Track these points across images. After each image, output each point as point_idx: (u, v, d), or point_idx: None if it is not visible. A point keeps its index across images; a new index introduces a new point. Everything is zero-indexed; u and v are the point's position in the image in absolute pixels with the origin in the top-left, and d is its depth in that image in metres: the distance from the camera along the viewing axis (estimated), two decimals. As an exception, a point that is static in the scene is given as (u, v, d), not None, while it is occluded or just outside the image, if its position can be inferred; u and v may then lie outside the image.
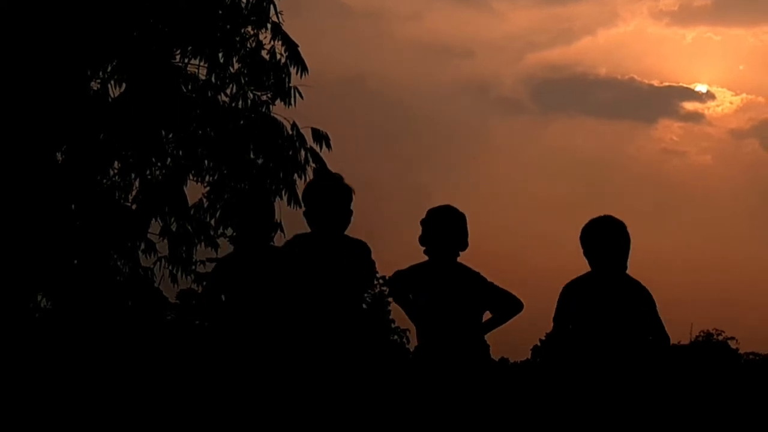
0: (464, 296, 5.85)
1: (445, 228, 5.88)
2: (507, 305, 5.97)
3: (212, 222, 12.26)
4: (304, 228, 5.78)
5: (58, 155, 11.80)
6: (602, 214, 6.13)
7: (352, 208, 5.67)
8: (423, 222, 5.93)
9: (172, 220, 12.14)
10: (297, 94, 12.50)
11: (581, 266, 6.19)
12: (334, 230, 5.62)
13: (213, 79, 12.23)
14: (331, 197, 5.61)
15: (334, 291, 5.63)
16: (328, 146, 12.58)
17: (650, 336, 6.02)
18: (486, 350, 5.95)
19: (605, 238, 6.02)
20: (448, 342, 5.81)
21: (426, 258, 5.94)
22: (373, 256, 5.73)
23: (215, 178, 12.25)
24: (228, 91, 12.37)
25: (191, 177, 12.23)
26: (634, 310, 5.97)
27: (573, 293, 6.03)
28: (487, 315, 6.01)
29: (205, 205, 12.26)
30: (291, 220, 12.50)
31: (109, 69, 11.86)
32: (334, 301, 5.63)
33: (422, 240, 5.94)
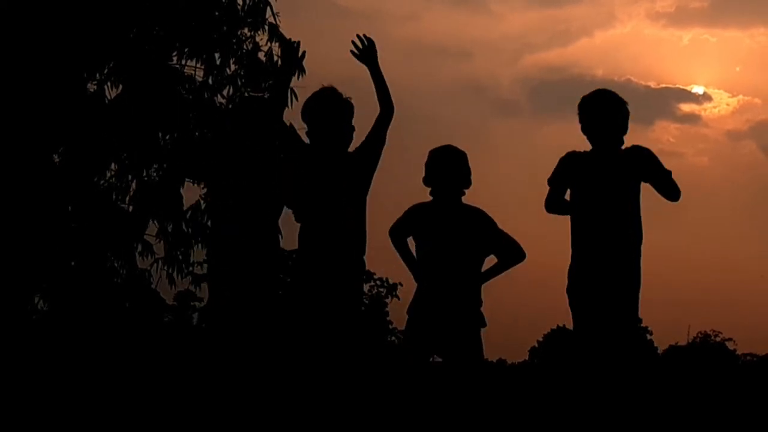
0: (469, 239, 5.89)
1: (447, 167, 5.94)
2: (510, 251, 6.00)
3: (209, 223, 12.25)
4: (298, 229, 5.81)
5: (55, 157, 11.79)
6: (597, 89, 6.17)
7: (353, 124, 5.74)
8: (426, 164, 5.99)
9: (169, 221, 12.13)
10: (293, 96, 12.49)
11: (578, 267, 6.21)
12: (333, 145, 5.67)
13: (210, 81, 12.24)
14: (328, 110, 5.67)
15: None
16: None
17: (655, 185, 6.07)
18: (479, 304, 5.95)
19: (603, 111, 6.07)
20: (446, 291, 5.84)
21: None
22: (370, 256, 5.76)
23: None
24: (225, 93, 12.38)
25: (188, 179, 12.22)
26: (629, 186, 6.04)
27: (572, 163, 6.09)
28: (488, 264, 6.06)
29: (203, 207, 12.25)
30: (290, 220, 12.48)
31: (106, 70, 11.86)
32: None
33: (426, 181, 5.99)
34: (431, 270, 5.88)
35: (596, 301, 5.97)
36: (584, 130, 6.15)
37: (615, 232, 6.00)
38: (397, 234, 6.00)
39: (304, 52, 5.74)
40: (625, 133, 6.14)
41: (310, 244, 5.66)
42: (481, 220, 5.97)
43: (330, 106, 5.69)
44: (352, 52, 5.74)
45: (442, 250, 5.87)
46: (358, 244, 5.66)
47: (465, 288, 5.87)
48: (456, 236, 5.87)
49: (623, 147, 6.13)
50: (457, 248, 5.87)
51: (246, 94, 12.21)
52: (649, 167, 6.08)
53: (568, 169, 6.14)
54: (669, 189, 6.10)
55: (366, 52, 5.74)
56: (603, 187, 6.03)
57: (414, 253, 5.98)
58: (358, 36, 5.72)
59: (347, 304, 5.60)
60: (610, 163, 6.06)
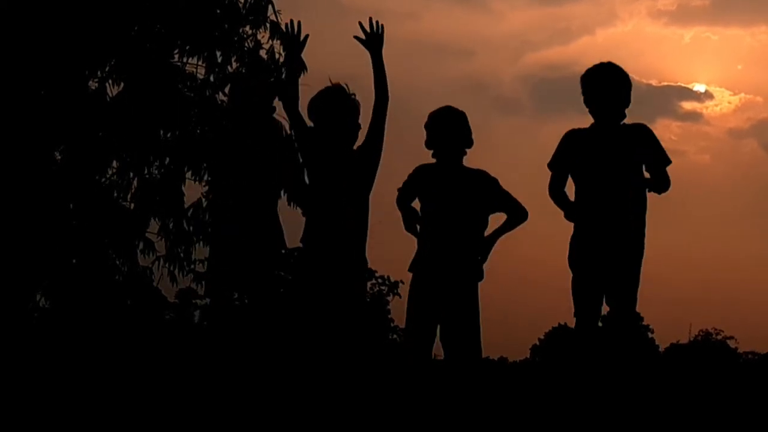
0: (472, 199, 5.91)
1: (446, 128, 5.96)
2: (514, 210, 6.00)
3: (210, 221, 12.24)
4: (300, 227, 5.81)
5: (57, 154, 11.79)
6: (602, 62, 6.16)
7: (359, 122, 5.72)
8: (426, 126, 6.00)
9: (171, 219, 12.13)
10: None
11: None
12: (338, 143, 5.65)
13: (211, 79, 12.23)
14: (334, 108, 5.65)
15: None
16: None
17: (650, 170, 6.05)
18: (482, 260, 5.93)
19: (606, 83, 6.06)
20: (450, 249, 5.85)
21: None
22: (372, 255, 5.76)
23: (214, 177, 12.23)
24: (226, 90, 12.36)
25: (189, 177, 12.21)
26: (632, 158, 6.03)
27: (572, 141, 6.09)
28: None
29: (204, 205, 12.24)
30: (291, 220, 12.48)
31: (108, 68, 11.85)
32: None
33: (428, 144, 5.97)
34: (435, 230, 5.89)
35: (598, 271, 5.94)
36: (587, 102, 6.13)
37: (618, 203, 5.98)
38: (402, 196, 6.00)
39: (306, 36, 5.69)
40: (627, 106, 6.13)
41: (311, 243, 5.66)
42: (484, 180, 5.98)
43: (337, 104, 5.68)
44: (356, 37, 5.70)
45: (445, 210, 5.88)
46: (359, 243, 5.65)
47: (468, 247, 5.88)
48: (459, 197, 5.88)
49: (626, 123, 6.13)
50: (460, 209, 5.88)
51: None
52: (648, 148, 6.08)
53: (569, 147, 6.12)
54: (660, 178, 6.08)
55: (373, 37, 5.71)
56: (605, 160, 6.01)
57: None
58: (370, 20, 5.69)
59: (349, 303, 5.59)
60: (613, 136, 6.05)
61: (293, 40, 5.70)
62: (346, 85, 5.73)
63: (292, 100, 5.72)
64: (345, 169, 5.63)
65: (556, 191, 6.18)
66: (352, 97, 5.72)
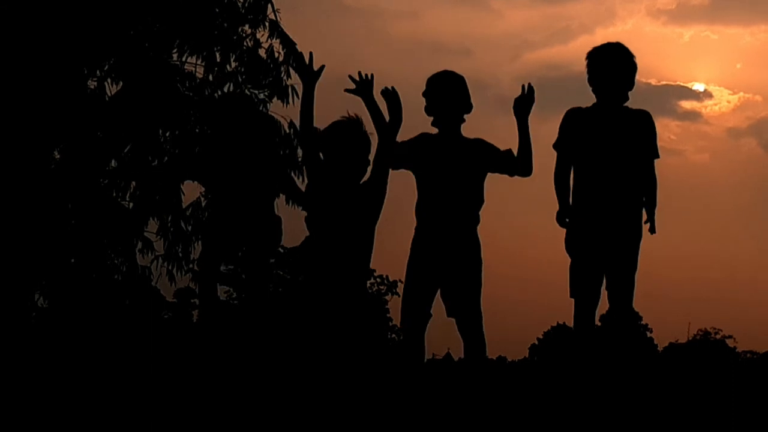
0: (469, 170, 5.86)
1: (444, 92, 5.90)
2: (522, 161, 5.93)
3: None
4: (299, 226, 5.79)
5: (56, 153, 11.79)
6: (608, 42, 6.15)
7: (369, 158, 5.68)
8: (424, 93, 5.96)
9: (170, 218, 12.14)
10: (294, 93, 12.50)
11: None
12: (346, 178, 5.60)
13: (210, 78, 12.23)
14: (346, 144, 5.60)
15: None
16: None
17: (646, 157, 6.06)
18: (477, 244, 5.92)
19: (612, 62, 6.05)
20: (447, 223, 5.82)
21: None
22: (373, 252, 5.73)
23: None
24: (225, 90, 12.37)
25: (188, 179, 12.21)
26: (632, 141, 6.02)
27: (575, 119, 6.08)
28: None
29: (203, 204, 12.25)
30: (289, 219, 12.47)
31: (107, 67, 11.86)
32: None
33: (427, 110, 5.95)
34: (432, 201, 5.84)
35: (596, 254, 5.93)
36: (591, 80, 6.11)
37: (616, 184, 5.96)
38: (397, 158, 5.87)
39: (322, 67, 5.62)
40: (631, 88, 6.12)
41: (312, 268, 5.59)
42: (481, 148, 5.92)
43: (348, 140, 5.60)
44: (346, 89, 5.64)
45: (442, 181, 5.83)
46: (360, 275, 5.62)
47: (465, 218, 5.84)
48: (456, 168, 5.83)
49: (630, 106, 6.11)
50: (457, 180, 5.83)
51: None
52: (647, 136, 6.08)
53: (572, 125, 6.09)
54: (649, 171, 6.08)
55: (362, 85, 5.63)
56: (607, 141, 5.98)
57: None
58: (359, 74, 5.63)
59: (347, 332, 5.54)
60: (615, 117, 6.04)
61: (307, 72, 5.64)
62: (362, 120, 5.67)
63: (307, 133, 5.65)
64: (350, 203, 5.57)
65: (561, 175, 6.13)
66: (366, 133, 5.64)
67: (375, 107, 5.64)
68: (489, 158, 5.92)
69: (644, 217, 6.09)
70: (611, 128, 6.03)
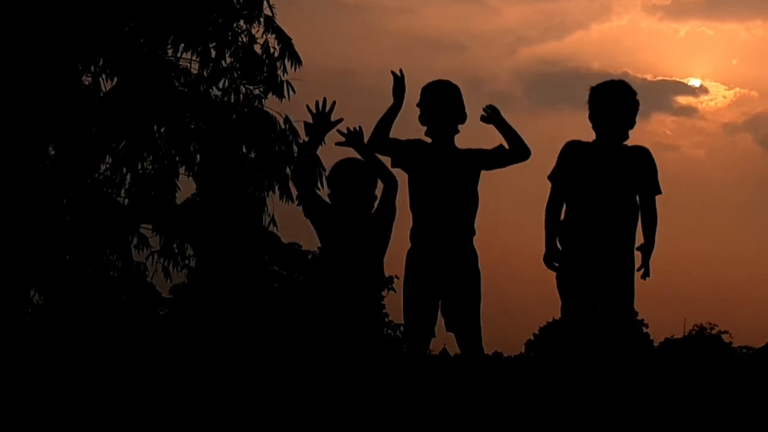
0: (462, 180, 5.83)
1: (438, 102, 5.85)
2: (515, 150, 5.89)
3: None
4: (297, 223, 5.77)
5: (50, 149, 11.76)
6: (612, 79, 6.11)
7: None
8: (418, 103, 5.91)
9: (164, 214, 12.12)
10: (289, 88, 12.49)
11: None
12: (354, 213, 5.57)
13: (205, 74, 12.21)
14: (354, 182, 5.56)
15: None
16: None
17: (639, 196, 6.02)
18: (475, 256, 5.89)
19: (614, 102, 5.99)
20: (443, 233, 5.78)
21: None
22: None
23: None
24: (220, 85, 12.36)
25: (183, 171, 12.20)
26: (630, 179, 5.98)
27: (573, 153, 6.05)
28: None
29: (198, 200, 12.22)
30: (283, 215, 12.49)
31: (101, 63, 11.83)
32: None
33: (421, 120, 5.90)
34: (427, 211, 5.81)
35: (589, 291, 5.91)
36: (592, 118, 6.06)
37: (610, 222, 5.94)
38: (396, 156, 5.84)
39: (340, 120, 5.56)
40: (632, 127, 6.07)
41: (323, 297, 5.57)
42: (474, 156, 5.89)
43: (356, 178, 5.57)
44: (337, 143, 5.61)
45: (436, 193, 5.79)
46: (372, 303, 5.60)
47: (461, 227, 5.82)
48: (450, 179, 5.80)
49: (628, 143, 6.06)
50: (451, 191, 5.80)
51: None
52: (646, 173, 6.03)
53: (570, 158, 6.05)
54: (650, 207, 6.05)
55: (352, 137, 5.60)
56: (604, 178, 5.94)
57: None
58: (347, 128, 5.59)
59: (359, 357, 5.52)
60: (614, 155, 5.99)
61: (322, 121, 5.53)
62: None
63: (305, 181, 5.61)
64: (360, 235, 5.56)
65: (552, 208, 6.07)
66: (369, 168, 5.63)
67: (371, 156, 5.60)
68: (482, 162, 5.89)
69: (637, 261, 6.01)
70: (609, 166, 5.98)
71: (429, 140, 5.92)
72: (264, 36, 12.46)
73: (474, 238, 5.91)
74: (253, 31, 12.46)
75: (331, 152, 5.72)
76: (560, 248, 6.02)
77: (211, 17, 12.10)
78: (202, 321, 5.96)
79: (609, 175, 5.97)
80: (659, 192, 6.08)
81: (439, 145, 5.87)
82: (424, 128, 5.91)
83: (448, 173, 5.81)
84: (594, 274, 5.91)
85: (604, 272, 5.92)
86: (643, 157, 6.06)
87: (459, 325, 5.75)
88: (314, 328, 5.48)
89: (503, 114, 5.90)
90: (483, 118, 5.87)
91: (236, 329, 5.77)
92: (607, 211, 5.95)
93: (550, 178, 6.09)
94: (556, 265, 5.99)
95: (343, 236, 5.51)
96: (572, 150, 6.07)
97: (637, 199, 6.04)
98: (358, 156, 5.58)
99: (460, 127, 5.93)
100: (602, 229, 5.94)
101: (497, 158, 5.88)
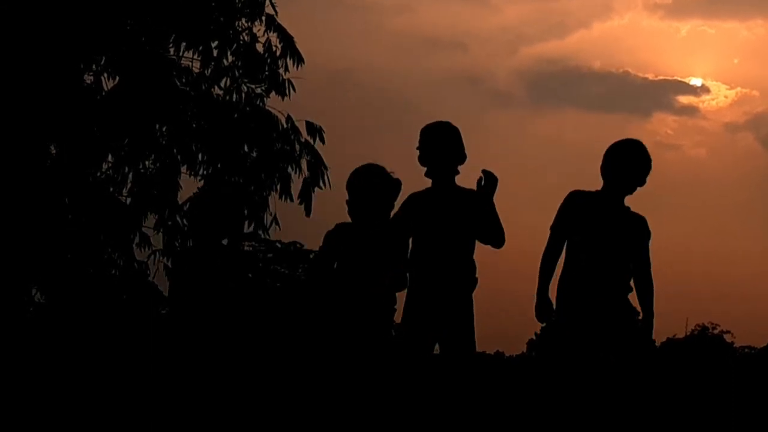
0: (462, 222, 5.82)
1: (438, 144, 5.84)
2: (491, 237, 5.88)
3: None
4: (296, 221, 5.77)
5: (52, 149, 11.76)
6: (630, 138, 6.11)
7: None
8: (418, 146, 5.90)
9: (167, 213, 12.11)
10: (291, 87, 12.48)
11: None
12: (373, 222, 5.58)
13: (207, 72, 12.21)
14: (374, 191, 5.57)
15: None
16: (322, 140, 12.55)
17: (633, 262, 6.01)
18: (473, 273, 5.90)
19: (631, 164, 5.99)
20: (441, 274, 5.78)
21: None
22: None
23: (209, 171, 12.22)
24: (222, 84, 12.36)
25: (185, 171, 12.20)
26: (629, 238, 5.99)
27: (577, 202, 6.04)
28: None
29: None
30: (284, 213, 12.49)
31: (103, 62, 11.83)
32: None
33: (421, 160, 5.89)
34: (426, 253, 5.80)
35: (593, 344, 5.92)
36: (604, 172, 6.03)
37: (606, 280, 5.93)
38: (397, 227, 5.86)
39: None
40: (642, 185, 6.06)
41: (340, 303, 5.58)
42: (475, 200, 5.88)
43: (377, 184, 5.58)
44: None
45: (436, 235, 5.79)
46: (389, 309, 5.62)
47: (459, 269, 5.81)
48: (450, 221, 5.80)
49: (634, 212, 6.07)
50: (450, 232, 5.80)
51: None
52: (642, 243, 6.05)
53: (574, 211, 6.03)
54: (646, 273, 6.06)
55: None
56: (612, 239, 5.95)
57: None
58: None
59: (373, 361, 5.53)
60: (618, 214, 6.01)
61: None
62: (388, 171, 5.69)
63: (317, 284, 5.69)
64: (379, 244, 5.56)
65: (549, 255, 6.03)
66: (393, 178, 5.64)
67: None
68: (477, 216, 5.85)
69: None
70: (616, 225, 5.98)
71: (420, 187, 5.94)
72: (266, 34, 12.47)
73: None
74: (255, 30, 12.47)
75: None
76: (553, 301, 6.03)
77: (212, 16, 12.10)
78: (202, 321, 5.95)
79: (616, 234, 5.97)
80: (649, 264, 6.07)
81: (439, 187, 5.88)
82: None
83: (448, 214, 5.83)
84: (599, 329, 5.93)
85: (609, 327, 5.93)
86: (641, 224, 6.08)
87: (452, 360, 5.78)
88: (322, 331, 5.50)
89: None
90: (478, 187, 5.82)
91: (236, 329, 5.76)
92: (605, 262, 5.96)
93: (551, 228, 6.06)
94: (552, 318, 5.99)
95: (359, 247, 5.54)
96: (575, 200, 6.05)
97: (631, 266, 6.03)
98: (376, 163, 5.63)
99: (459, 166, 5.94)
100: (609, 285, 5.95)
101: (481, 223, 5.86)
